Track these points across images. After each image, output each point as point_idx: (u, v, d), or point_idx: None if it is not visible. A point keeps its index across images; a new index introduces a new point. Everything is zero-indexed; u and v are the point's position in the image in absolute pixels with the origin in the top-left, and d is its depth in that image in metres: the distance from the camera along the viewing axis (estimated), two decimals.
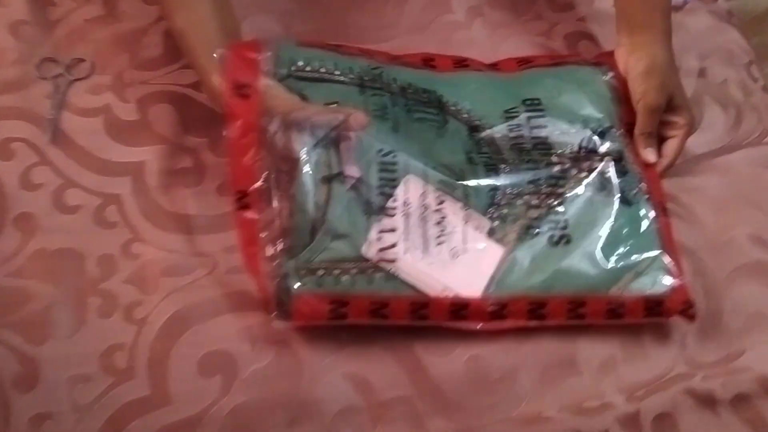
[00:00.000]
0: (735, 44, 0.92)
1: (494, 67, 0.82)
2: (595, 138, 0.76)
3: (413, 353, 0.71)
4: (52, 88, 0.80)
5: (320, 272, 0.67)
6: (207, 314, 0.71)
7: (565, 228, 0.72)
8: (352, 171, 0.69)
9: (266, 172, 0.68)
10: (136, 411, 0.66)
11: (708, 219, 0.79)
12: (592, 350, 0.72)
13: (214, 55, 0.68)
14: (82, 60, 0.82)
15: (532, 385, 0.71)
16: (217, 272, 0.73)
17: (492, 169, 0.73)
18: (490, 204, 0.71)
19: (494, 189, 0.72)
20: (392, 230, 0.68)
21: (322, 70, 0.74)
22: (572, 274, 0.70)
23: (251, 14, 0.86)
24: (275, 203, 0.67)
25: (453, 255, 0.69)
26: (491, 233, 0.71)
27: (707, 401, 0.70)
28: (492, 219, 0.71)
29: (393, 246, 0.68)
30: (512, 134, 0.76)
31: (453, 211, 0.70)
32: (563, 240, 0.71)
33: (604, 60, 0.82)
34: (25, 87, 0.80)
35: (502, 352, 0.71)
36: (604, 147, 0.76)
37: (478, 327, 0.69)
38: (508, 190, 0.72)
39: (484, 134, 0.76)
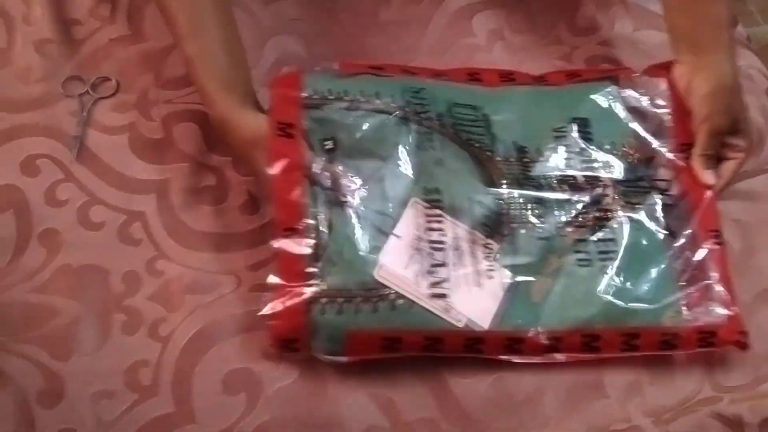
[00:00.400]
0: (754, 69, 0.92)
1: (541, 79, 0.81)
2: (644, 164, 0.75)
3: (438, 374, 0.70)
4: (77, 105, 0.80)
5: (323, 300, 0.66)
6: (231, 332, 0.71)
7: (615, 259, 0.71)
8: (351, 185, 0.69)
9: (312, 209, 0.68)
10: (160, 428, 0.66)
11: (732, 243, 0.78)
12: (618, 373, 0.71)
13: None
14: (107, 78, 0.82)
15: (557, 408, 0.70)
16: (240, 290, 0.73)
17: (538, 199, 0.73)
18: (537, 237, 0.71)
19: (541, 220, 0.72)
20: (443, 264, 0.68)
21: (362, 99, 0.73)
22: (625, 306, 0.69)
23: (274, 35, 0.86)
24: (322, 239, 0.67)
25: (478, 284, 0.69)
26: (533, 266, 0.70)
27: (735, 425, 0.69)
28: (539, 251, 0.70)
29: (445, 280, 0.68)
30: (560, 157, 0.75)
31: (483, 244, 0.70)
32: (614, 271, 0.70)
33: (659, 73, 0.80)
34: (50, 104, 0.80)
35: (528, 373, 0.71)
36: (653, 173, 0.75)
37: (531, 361, 0.69)
38: (556, 221, 0.72)
39: (531, 157, 0.74)
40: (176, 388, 0.68)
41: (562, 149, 0.75)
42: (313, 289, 0.66)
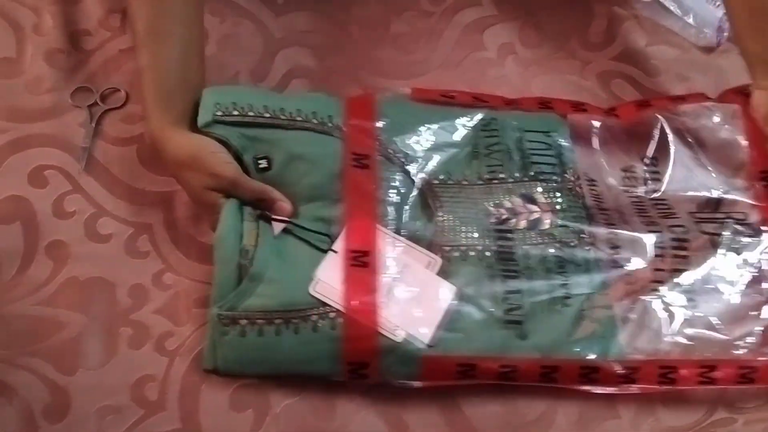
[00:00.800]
0: None
1: (612, 112, 0.80)
2: (717, 196, 0.74)
3: (449, 392, 0.69)
4: (86, 116, 0.80)
5: (243, 322, 0.64)
6: None
7: (691, 292, 0.70)
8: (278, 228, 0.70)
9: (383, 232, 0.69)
10: None
11: None
12: (630, 393, 0.70)
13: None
14: (116, 89, 0.82)
15: (569, 427, 0.69)
16: None
17: (612, 233, 0.72)
18: (610, 266, 0.71)
19: (614, 250, 0.71)
20: (518, 292, 0.68)
21: (429, 131, 0.75)
22: (701, 338, 0.68)
23: (284, 47, 0.86)
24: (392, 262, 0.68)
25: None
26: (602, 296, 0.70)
27: None
28: (609, 280, 0.70)
29: (520, 307, 0.68)
30: (628, 191, 0.75)
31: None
32: (690, 304, 0.70)
33: (733, 99, 0.78)
34: (59, 115, 0.80)
35: (540, 392, 0.70)
36: (727, 205, 0.74)
37: (607, 391, 0.68)
38: (628, 252, 0.71)
39: (601, 188, 0.75)
40: (183, 403, 0.67)
41: (630, 183, 0.75)
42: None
